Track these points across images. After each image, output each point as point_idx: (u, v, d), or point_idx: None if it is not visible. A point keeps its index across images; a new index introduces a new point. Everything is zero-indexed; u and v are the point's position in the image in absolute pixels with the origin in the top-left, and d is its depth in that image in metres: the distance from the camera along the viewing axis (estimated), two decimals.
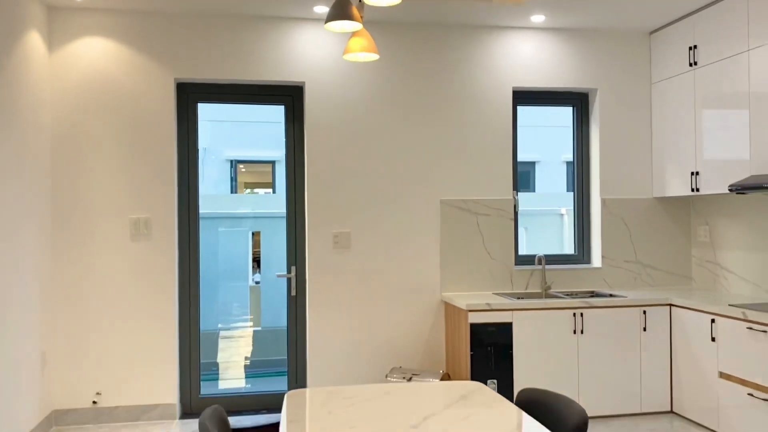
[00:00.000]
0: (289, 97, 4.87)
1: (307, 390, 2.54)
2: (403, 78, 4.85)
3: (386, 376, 4.57)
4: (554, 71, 5.04)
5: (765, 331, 3.70)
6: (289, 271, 4.90)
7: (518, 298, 4.55)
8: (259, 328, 6.57)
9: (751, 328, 3.81)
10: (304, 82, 4.74)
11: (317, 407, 2.30)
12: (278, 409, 4.81)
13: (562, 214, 7.26)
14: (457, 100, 4.91)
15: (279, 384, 5.06)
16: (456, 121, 4.90)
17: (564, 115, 5.31)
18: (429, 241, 4.87)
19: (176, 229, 4.63)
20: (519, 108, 5.14)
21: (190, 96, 4.74)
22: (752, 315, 3.79)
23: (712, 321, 4.13)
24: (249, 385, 5.37)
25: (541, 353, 4.40)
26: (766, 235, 4.45)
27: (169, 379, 4.56)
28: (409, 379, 4.49)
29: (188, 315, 4.72)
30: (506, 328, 4.36)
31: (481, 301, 4.38)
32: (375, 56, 3.04)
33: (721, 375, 4.07)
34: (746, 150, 4.16)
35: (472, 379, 4.34)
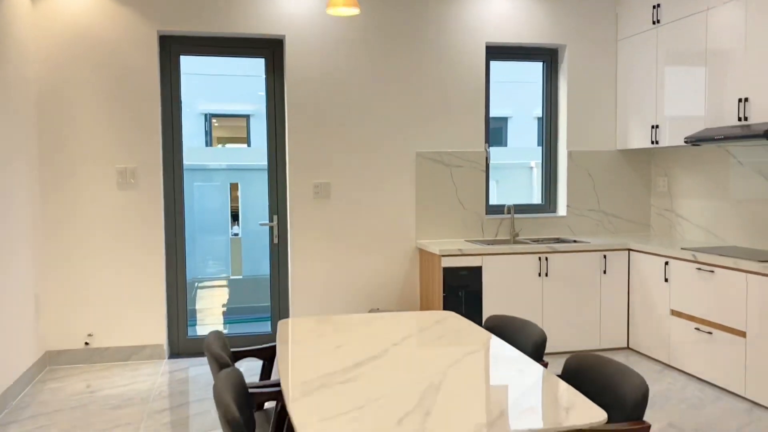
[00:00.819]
0: (270, 50, 5.01)
1: (297, 319, 2.79)
2: (381, 33, 5.01)
3: None
4: (526, 27, 5.24)
5: (712, 271, 4.05)
6: (271, 220, 5.12)
7: (488, 245, 4.84)
8: (240, 277, 6.81)
9: (700, 269, 4.16)
10: (284, 35, 4.88)
11: (307, 332, 2.56)
12: None
13: (531, 167, 7.55)
14: (433, 55, 5.10)
15: (262, 328, 5.32)
16: (431, 76, 5.10)
17: (535, 71, 5.54)
18: (405, 191, 5.12)
19: (162, 179, 4.79)
20: (492, 63, 5.35)
21: (172, 49, 4.85)
22: (701, 257, 4.13)
23: (666, 263, 4.47)
24: (229, 330, 5.64)
25: (508, 295, 4.72)
26: (718, 185, 4.78)
27: (158, 322, 4.79)
28: None
29: (175, 262, 4.93)
30: (477, 272, 4.66)
31: (454, 247, 4.67)
32: (356, 11, 3.22)
33: (673, 312, 4.43)
34: (702, 105, 4.45)
35: None
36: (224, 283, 6.51)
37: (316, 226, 5.00)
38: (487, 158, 5.30)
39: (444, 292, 4.62)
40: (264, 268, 6.58)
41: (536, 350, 2.35)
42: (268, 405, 3.15)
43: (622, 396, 1.84)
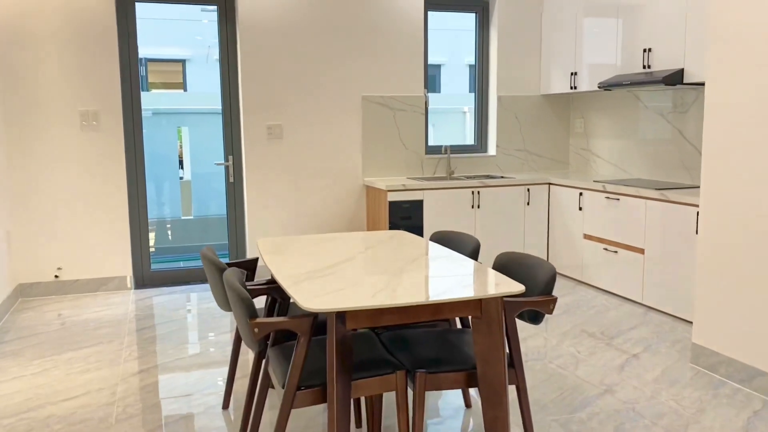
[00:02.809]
0: None
1: (273, 238, 3.26)
2: None
3: None
4: None
5: (618, 199, 4.74)
6: (226, 160, 5.49)
7: (428, 181, 5.39)
8: (191, 218, 7.14)
9: (608, 198, 4.85)
10: None
11: (284, 246, 3.03)
12: None
13: (464, 112, 8.11)
14: (378, 5, 5.50)
15: None
16: (376, 24, 5.51)
17: (468, 20, 6.02)
18: (352, 132, 5.57)
19: (122, 121, 5.07)
20: (429, 13, 5.79)
21: None
22: (610, 187, 4.82)
23: (580, 194, 5.15)
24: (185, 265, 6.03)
25: (445, 225, 5.31)
26: (626, 125, 5.46)
27: (123, 256, 5.15)
28: None
29: (137, 199, 5.25)
30: (418, 205, 5.22)
31: (398, 183, 5.20)
32: None
33: (585, 236, 5.14)
34: (615, 54, 5.07)
35: None
36: (176, 222, 6.83)
37: (270, 165, 5.40)
38: (426, 102, 5.80)
39: (390, 223, 5.16)
40: (214, 210, 6.95)
41: (473, 254, 2.92)
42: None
43: (537, 278, 2.43)
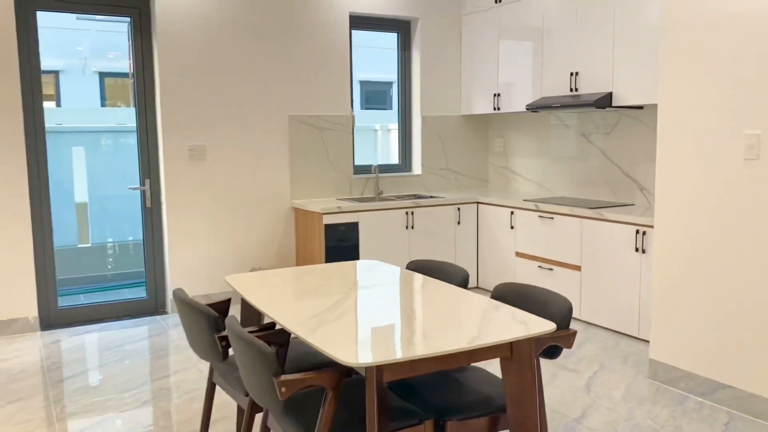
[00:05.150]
0: (136, 9, 4.87)
1: (240, 275, 3.00)
2: (253, 1, 5.11)
3: None
4: (384, 0, 5.65)
5: (552, 218, 4.88)
6: (142, 184, 5.05)
7: (360, 202, 5.27)
8: (90, 245, 6.53)
9: (541, 216, 4.98)
10: None
11: (258, 285, 2.79)
12: (141, 315, 5.07)
13: (376, 130, 8.07)
14: (302, 22, 5.31)
15: (135, 293, 5.27)
16: (302, 43, 5.32)
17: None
18: (279, 154, 5.33)
19: (24, 143, 4.51)
20: (354, 32, 5.69)
21: (29, 4, 4.53)
22: (542, 206, 4.94)
23: (512, 213, 5.25)
24: (84, 299, 5.48)
25: (381, 245, 5.21)
26: (544, 144, 5.66)
27: (27, 294, 4.57)
28: None
29: (41, 229, 4.69)
30: (353, 227, 5.08)
31: (333, 206, 5.03)
32: None
33: (518, 254, 5.24)
34: (539, 76, 5.23)
35: None
36: (83, 250, 6.21)
37: (192, 188, 5.04)
38: (353, 121, 5.68)
39: (325, 247, 4.98)
40: (122, 235, 6.39)
41: (462, 285, 2.84)
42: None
43: (551, 312, 2.39)
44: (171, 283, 5.06)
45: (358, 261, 3.28)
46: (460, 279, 2.87)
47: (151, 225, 5.10)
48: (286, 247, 5.43)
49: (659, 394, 3.42)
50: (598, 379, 3.65)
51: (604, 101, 4.60)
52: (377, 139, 8.21)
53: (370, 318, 2.24)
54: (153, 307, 5.17)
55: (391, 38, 5.97)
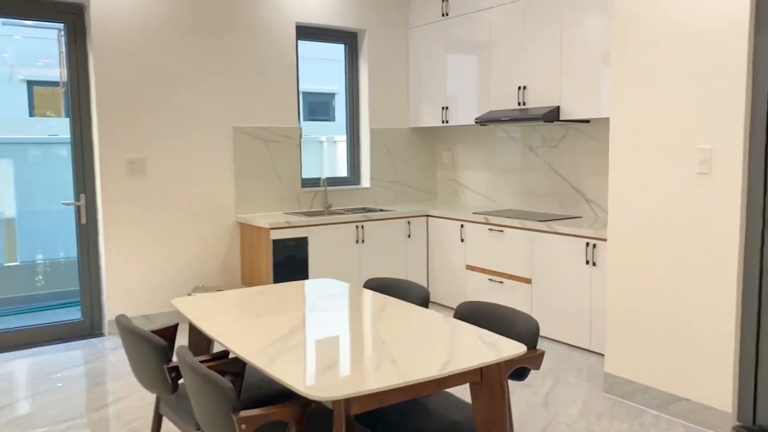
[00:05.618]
0: (71, 15, 4.62)
1: (188, 298, 2.83)
2: (195, 8, 4.92)
3: (189, 295, 4.84)
4: (330, 10, 5.55)
5: (502, 231, 4.87)
6: (77, 199, 4.77)
7: (308, 216, 5.14)
8: (34, 261, 6.15)
9: (491, 230, 4.96)
10: (85, 2, 4.54)
11: (207, 309, 2.63)
12: (76, 338, 4.77)
13: (321, 142, 7.95)
14: (248, 32, 5.16)
15: (69, 315, 4.97)
16: (247, 52, 5.16)
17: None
18: (223, 166, 5.14)
19: None
20: (302, 42, 5.57)
21: None
22: (493, 219, 4.93)
23: (462, 226, 5.22)
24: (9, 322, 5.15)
25: (331, 260, 5.09)
26: (491, 157, 5.67)
27: None
28: None
29: None
30: (303, 242, 4.94)
31: (281, 220, 4.88)
32: None
33: (468, 267, 5.21)
34: (484, 89, 5.24)
35: None
36: (11, 269, 5.83)
37: (130, 203, 4.80)
38: (300, 133, 5.54)
39: (274, 263, 4.82)
40: (54, 253, 6.04)
41: (423, 305, 2.76)
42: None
43: (518, 332, 2.33)
44: (108, 304, 4.79)
45: (313, 280, 3.16)
46: (420, 298, 2.79)
47: (87, 242, 4.82)
48: (231, 264, 5.23)
49: (616, 409, 3.43)
50: (554, 394, 3.63)
51: (552, 115, 4.63)
52: (323, 151, 8.10)
53: (333, 344, 2.13)
54: (89, 329, 4.88)
55: (333, 49, 5.88)
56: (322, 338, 2.19)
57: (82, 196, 4.78)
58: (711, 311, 3.14)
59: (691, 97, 3.16)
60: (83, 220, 4.80)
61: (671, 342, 3.31)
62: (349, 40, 5.85)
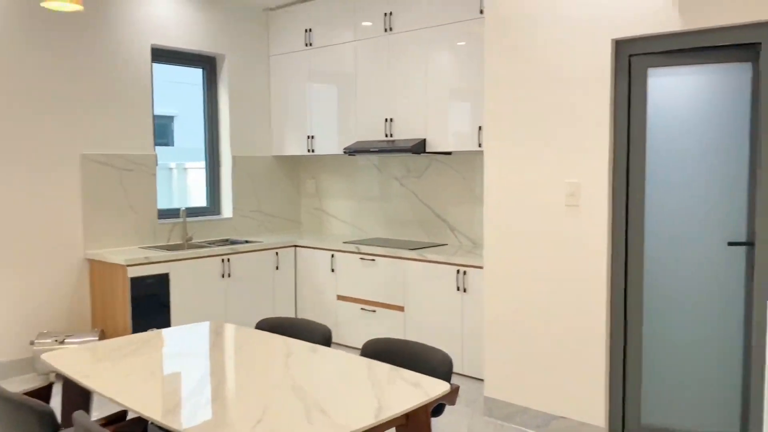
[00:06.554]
0: None
1: (59, 352, 2.49)
2: (40, 23, 4.44)
3: (32, 343, 4.29)
4: (188, 33, 5.30)
5: (373, 260, 4.90)
6: None
7: (167, 250, 4.80)
8: None
9: (363, 259, 4.97)
10: None
11: (89, 363, 2.33)
12: None
13: (171, 168, 7.53)
14: (100, 53, 4.75)
15: None
16: (98, 75, 4.75)
17: (197, 74, 5.63)
18: (69, 198, 4.66)
19: None
20: (157, 65, 5.24)
21: None
22: (363, 248, 4.95)
23: (332, 256, 5.18)
24: None
25: (196, 297, 4.79)
26: (356, 186, 5.71)
27: None
28: (62, 342, 4.33)
29: None
30: (163, 279, 4.60)
31: (140, 255, 4.51)
32: (79, 7, 2.93)
33: (339, 297, 5.17)
34: (351, 119, 5.28)
35: (134, 331, 4.46)
36: None
37: None
38: (155, 161, 5.19)
39: (132, 304, 4.43)
40: None
41: (326, 343, 2.67)
42: None
43: (433, 368, 2.32)
44: None
45: (194, 324, 2.93)
46: (321, 336, 2.70)
47: None
48: (80, 306, 4.73)
49: None
50: (439, 421, 3.68)
51: (419, 147, 4.77)
52: (172, 178, 7.67)
53: (251, 394, 1.98)
54: None
55: (173, 70, 5.58)
56: (236, 389, 2.03)
57: None
58: (583, 332, 3.37)
59: (559, 135, 3.41)
60: None
61: (547, 363, 3.51)
62: (207, 64, 5.61)
